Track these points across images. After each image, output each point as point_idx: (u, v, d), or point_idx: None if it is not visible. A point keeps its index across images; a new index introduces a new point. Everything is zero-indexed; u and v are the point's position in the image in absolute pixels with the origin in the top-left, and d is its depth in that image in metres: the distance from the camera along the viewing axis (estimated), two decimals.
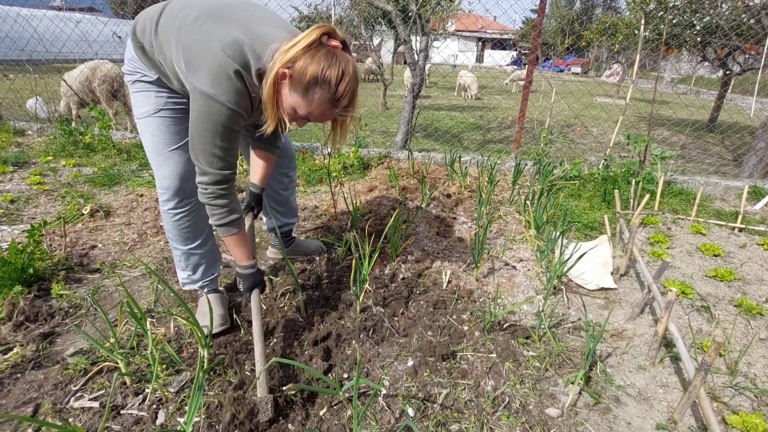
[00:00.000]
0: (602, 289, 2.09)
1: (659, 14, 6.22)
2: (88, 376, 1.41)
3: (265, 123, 1.30)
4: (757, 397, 1.47)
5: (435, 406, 1.37)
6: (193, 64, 1.25)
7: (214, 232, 1.66)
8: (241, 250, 1.50)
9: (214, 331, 1.59)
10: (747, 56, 7.38)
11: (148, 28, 1.37)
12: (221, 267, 1.87)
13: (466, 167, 3.49)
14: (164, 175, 1.52)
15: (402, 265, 2.21)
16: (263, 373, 1.30)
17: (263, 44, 1.25)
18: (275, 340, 1.62)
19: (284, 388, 1.34)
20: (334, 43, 1.21)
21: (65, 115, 5.16)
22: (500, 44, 33.20)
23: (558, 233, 2.20)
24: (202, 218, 1.64)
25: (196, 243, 1.67)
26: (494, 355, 1.60)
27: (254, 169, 1.74)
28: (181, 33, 1.29)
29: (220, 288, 1.87)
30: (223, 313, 1.67)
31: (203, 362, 1.31)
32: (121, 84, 5.14)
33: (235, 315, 1.74)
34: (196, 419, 1.25)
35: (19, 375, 1.43)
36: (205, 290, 1.75)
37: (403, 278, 2.10)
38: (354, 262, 1.77)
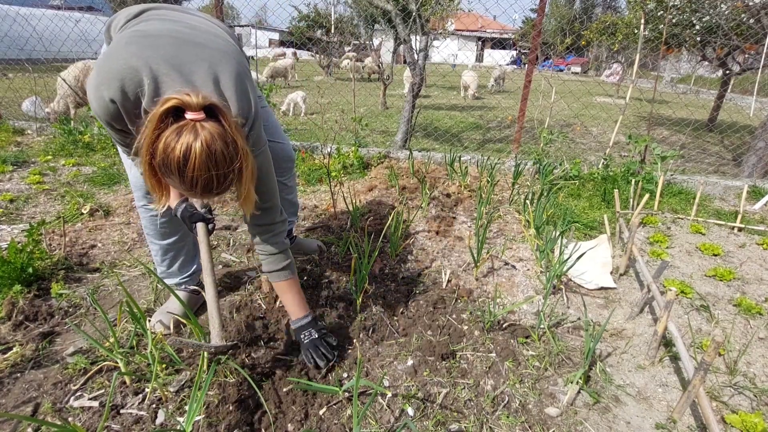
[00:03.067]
0: (602, 288, 2.10)
1: (659, 14, 6.22)
2: (88, 375, 1.41)
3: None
4: (756, 396, 1.47)
5: (434, 405, 1.37)
6: (96, 64, 1.20)
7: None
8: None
9: (156, 329, 1.60)
10: (747, 56, 7.38)
11: (120, 25, 1.33)
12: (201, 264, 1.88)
13: (465, 167, 3.49)
14: (135, 175, 1.54)
15: (402, 265, 2.21)
16: (215, 312, 1.33)
17: (168, 85, 1.11)
18: (275, 340, 1.62)
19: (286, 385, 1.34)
20: (190, 116, 1.00)
21: (60, 113, 5.14)
22: (500, 44, 33.18)
23: (558, 233, 2.20)
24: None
25: (174, 239, 1.69)
26: (494, 354, 1.60)
27: (285, 302, 1.55)
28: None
29: (197, 287, 1.82)
30: (176, 316, 1.63)
31: (203, 361, 1.31)
32: None
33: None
34: (196, 418, 1.25)
35: (18, 374, 1.43)
36: (182, 287, 1.78)
37: (403, 278, 2.10)
38: (353, 261, 1.77)
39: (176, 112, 1.01)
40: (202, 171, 1.00)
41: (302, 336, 1.49)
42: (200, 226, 1.39)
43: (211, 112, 1.04)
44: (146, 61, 1.11)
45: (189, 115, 1.00)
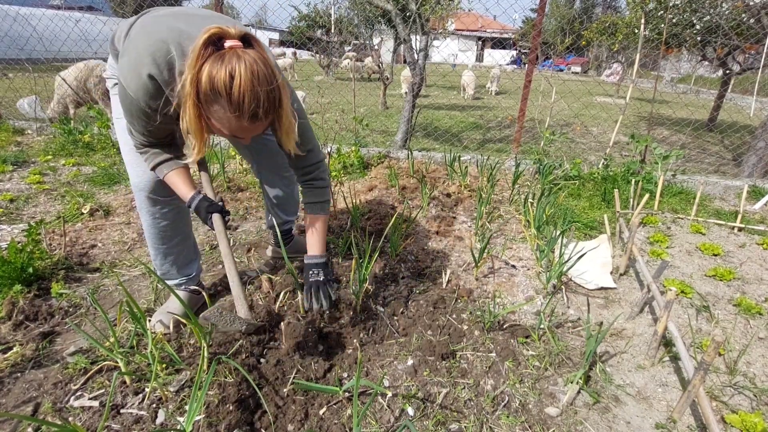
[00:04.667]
0: (602, 288, 2.10)
1: (659, 13, 6.22)
2: (88, 375, 1.41)
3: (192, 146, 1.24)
4: (756, 396, 1.47)
5: (434, 405, 1.37)
6: (123, 52, 1.28)
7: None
8: (179, 189, 1.45)
9: (156, 329, 1.61)
10: (747, 56, 7.37)
11: (123, 34, 1.39)
12: (201, 265, 1.89)
13: (466, 167, 3.49)
14: (137, 174, 1.54)
15: (402, 265, 2.21)
16: (240, 293, 1.36)
17: (191, 41, 1.16)
18: (276, 340, 1.61)
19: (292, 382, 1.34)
20: (230, 43, 1.08)
21: (60, 113, 5.13)
22: (500, 43, 33.18)
23: (558, 233, 2.20)
24: (181, 218, 1.68)
25: (174, 241, 1.70)
26: (494, 354, 1.60)
27: (307, 235, 1.61)
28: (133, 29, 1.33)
29: (198, 287, 1.83)
30: (176, 316, 1.64)
31: (203, 361, 1.32)
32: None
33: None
34: (197, 418, 1.25)
35: (18, 374, 1.43)
36: (183, 287, 1.79)
37: (403, 278, 2.10)
38: (354, 261, 1.78)
39: (216, 43, 1.08)
40: (248, 89, 1.06)
41: (311, 273, 1.53)
42: (216, 217, 1.44)
43: (247, 42, 1.11)
44: (169, 31, 1.21)
45: (228, 43, 1.08)
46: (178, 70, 1.20)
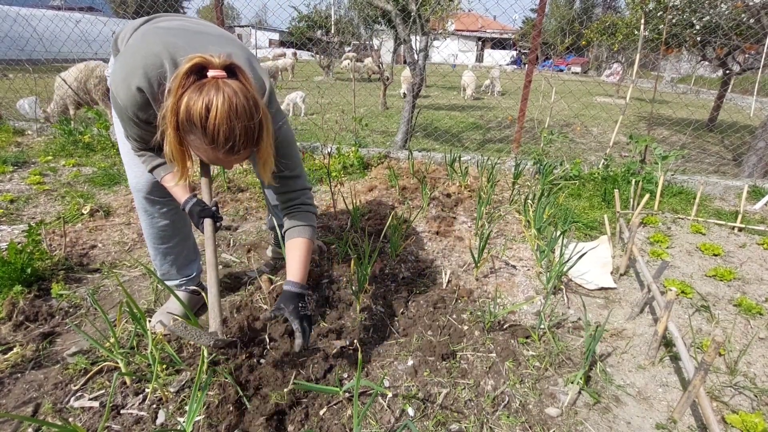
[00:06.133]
0: (602, 288, 2.10)
1: (659, 14, 6.22)
2: (88, 375, 1.41)
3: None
4: (756, 396, 1.47)
5: (435, 405, 1.37)
6: (118, 58, 1.28)
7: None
8: (175, 192, 1.45)
9: (156, 329, 1.61)
10: (747, 56, 7.38)
11: (127, 36, 1.39)
12: (201, 265, 1.89)
13: (466, 167, 3.48)
14: (136, 175, 1.54)
15: (402, 265, 2.21)
16: (216, 305, 1.31)
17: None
18: (276, 340, 1.61)
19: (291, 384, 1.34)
20: (212, 73, 1.05)
21: (59, 114, 5.13)
22: (500, 44, 33.21)
23: (558, 233, 2.20)
24: (180, 218, 1.68)
25: (173, 242, 1.70)
26: (494, 354, 1.60)
27: (288, 259, 1.47)
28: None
29: (198, 288, 1.83)
30: (176, 316, 1.61)
31: (203, 362, 1.31)
32: None
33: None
34: (197, 418, 1.25)
35: (19, 375, 1.43)
36: (183, 288, 1.79)
37: (403, 278, 2.10)
38: (353, 261, 1.78)
39: (199, 72, 1.06)
40: (224, 123, 1.03)
41: (300, 305, 1.38)
42: (208, 222, 1.41)
43: (231, 72, 1.09)
44: (164, 46, 1.19)
45: (211, 73, 1.05)
46: (167, 86, 1.16)
